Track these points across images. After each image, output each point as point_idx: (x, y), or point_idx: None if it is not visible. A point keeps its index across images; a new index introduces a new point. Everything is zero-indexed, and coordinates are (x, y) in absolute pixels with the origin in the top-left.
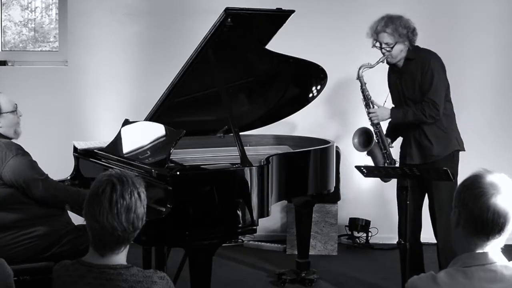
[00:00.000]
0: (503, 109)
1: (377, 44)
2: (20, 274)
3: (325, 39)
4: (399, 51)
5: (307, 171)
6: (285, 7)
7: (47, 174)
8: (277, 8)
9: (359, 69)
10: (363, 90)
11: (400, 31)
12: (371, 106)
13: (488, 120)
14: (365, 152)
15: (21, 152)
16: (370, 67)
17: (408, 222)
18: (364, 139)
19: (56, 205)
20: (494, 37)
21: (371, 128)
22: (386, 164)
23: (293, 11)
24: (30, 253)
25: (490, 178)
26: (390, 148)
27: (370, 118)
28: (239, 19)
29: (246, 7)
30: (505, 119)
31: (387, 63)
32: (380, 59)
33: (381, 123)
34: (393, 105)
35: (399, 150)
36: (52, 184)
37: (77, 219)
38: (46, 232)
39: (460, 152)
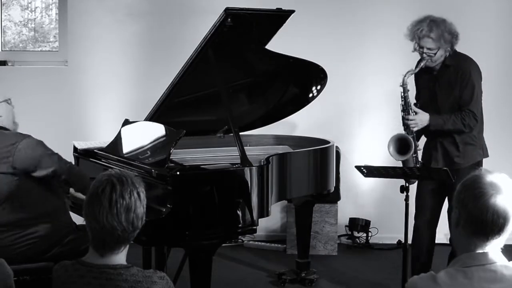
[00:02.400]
0: (503, 109)
1: (418, 48)
2: (20, 274)
3: (325, 39)
4: (440, 56)
5: (307, 171)
6: (285, 7)
7: (57, 152)
8: (277, 8)
9: (404, 76)
10: (405, 97)
11: (446, 37)
12: (411, 113)
13: (488, 120)
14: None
15: (28, 135)
16: (413, 73)
17: (426, 222)
18: (400, 145)
19: (69, 182)
20: (494, 37)
21: (407, 134)
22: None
23: (293, 11)
24: (31, 253)
25: (490, 178)
26: (418, 150)
27: (408, 125)
28: (239, 19)
29: (246, 7)
30: (505, 119)
31: (425, 66)
32: (421, 64)
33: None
34: (418, 105)
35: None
36: (65, 160)
37: (77, 219)
38: (48, 233)
39: (488, 155)
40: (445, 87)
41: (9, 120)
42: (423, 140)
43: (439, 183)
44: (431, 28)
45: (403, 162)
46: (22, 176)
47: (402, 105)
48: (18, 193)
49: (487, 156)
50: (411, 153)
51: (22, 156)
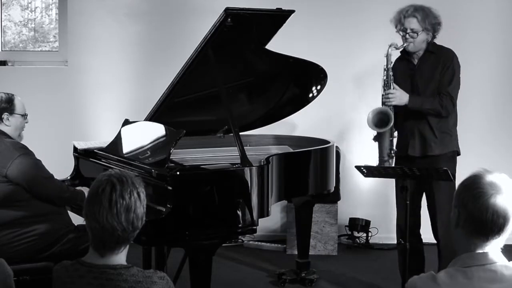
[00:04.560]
0: (503, 109)
1: (401, 31)
2: (20, 274)
3: (325, 39)
4: (422, 41)
5: (307, 171)
6: (285, 7)
7: (52, 174)
8: (277, 8)
9: (389, 47)
10: (388, 69)
11: (430, 20)
12: (392, 87)
13: (488, 120)
14: (374, 136)
15: (26, 151)
16: (397, 49)
17: (410, 222)
18: (379, 119)
19: (61, 204)
20: (494, 37)
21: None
22: (392, 152)
23: (293, 11)
24: (30, 252)
25: (490, 178)
26: (394, 137)
27: (387, 99)
28: (239, 19)
29: (246, 7)
30: (505, 119)
31: (406, 50)
32: (404, 44)
33: None
34: None
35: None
36: (57, 183)
37: (77, 219)
38: (46, 231)
39: (459, 153)
40: (427, 73)
41: (16, 132)
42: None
43: (417, 185)
44: (416, 9)
45: (380, 141)
46: (16, 184)
47: (384, 80)
48: (15, 195)
49: (459, 152)
50: (390, 125)
51: (15, 174)
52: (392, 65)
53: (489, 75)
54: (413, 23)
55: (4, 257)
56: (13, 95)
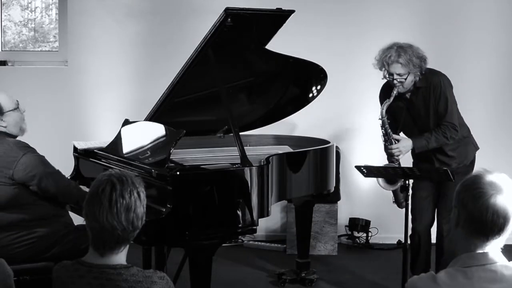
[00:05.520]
0: (503, 109)
1: (388, 76)
2: (20, 274)
3: (325, 39)
4: (410, 81)
5: (307, 171)
6: (285, 7)
7: (58, 169)
8: (277, 8)
9: (382, 108)
10: (386, 129)
11: (414, 61)
12: (393, 142)
13: (488, 120)
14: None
15: (29, 149)
16: (389, 103)
17: (424, 225)
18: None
19: (68, 201)
20: (494, 37)
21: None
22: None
23: (293, 11)
24: (30, 253)
25: (490, 178)
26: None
27: (392, 154)
28: (239, 19)
29: (246, 7)
30: (505, 119)
31: (397, 93)
32: (394, 92)
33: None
34: (400, 131)
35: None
36: (64, 179)
37: (77, 219)
38: (47, 233)
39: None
40: (422, 107)
41: (16, 127)
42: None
43: (434, 186)
44: (399, 54)
45: (394, 192)
46: (21, 186)
47: (384, 136)
48: (18, 198)
49: (478, 148)
50: (399, 183)
51: (21, 172)
52: (388, 123)
53: (489, 75)
54: (398, 68)
55: (4, 258)
56: None
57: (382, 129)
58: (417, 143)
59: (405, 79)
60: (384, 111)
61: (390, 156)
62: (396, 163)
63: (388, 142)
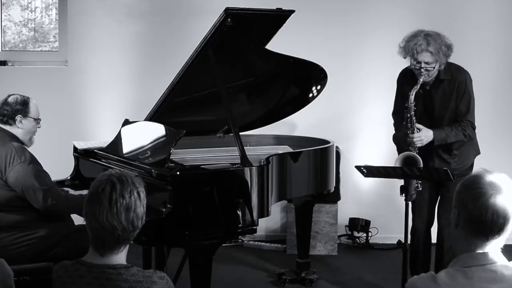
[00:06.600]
0: (503, 109)
1: (415, 64)
2: (20, 274)
3: (325, 39)
4: (436, 70)
5: (307, 171)
6: (285, 7)
7: (52, 185)
8: (277, 8)
9: (411, 93)
10: (411, 116)
11: (443, 50)
12: (415, 131)
13: (488, 120)
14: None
15: (30, 160)
16: (417, 89)
17: (424, 224)
18: (407, 164)
19: (54, 216)
20: (494, 37)
21: (414, 153)
22: (419, 185)
23: (293, 11)
24: (31, 254)
25: (490, 178)
26: None
27: (413, 143)
28: (239, 19)
29: (246, 7)
30: (505, 119)
31: (422, 81)
32: (420, 80)
33: None
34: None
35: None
36: (55, 195)
37: (77, 219)
38: (47, 234)
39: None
40: (441, 100)
41: (27, 136)
42: None
43: (435, 185)
44: (428, 42)
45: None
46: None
47: (406, 124)
48: (18, 200)
49: (479, 153)
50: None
51: (12, 180)
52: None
53: (489, 75)
54: (427, 57)
55: (5, 258)
56: (28, 98)
57: (407, 117)
58: (437, 135)
59: (433, 67)
60: (412, 97)
61: (409, 145)
62: (415, 152)
63: (410, 130)
